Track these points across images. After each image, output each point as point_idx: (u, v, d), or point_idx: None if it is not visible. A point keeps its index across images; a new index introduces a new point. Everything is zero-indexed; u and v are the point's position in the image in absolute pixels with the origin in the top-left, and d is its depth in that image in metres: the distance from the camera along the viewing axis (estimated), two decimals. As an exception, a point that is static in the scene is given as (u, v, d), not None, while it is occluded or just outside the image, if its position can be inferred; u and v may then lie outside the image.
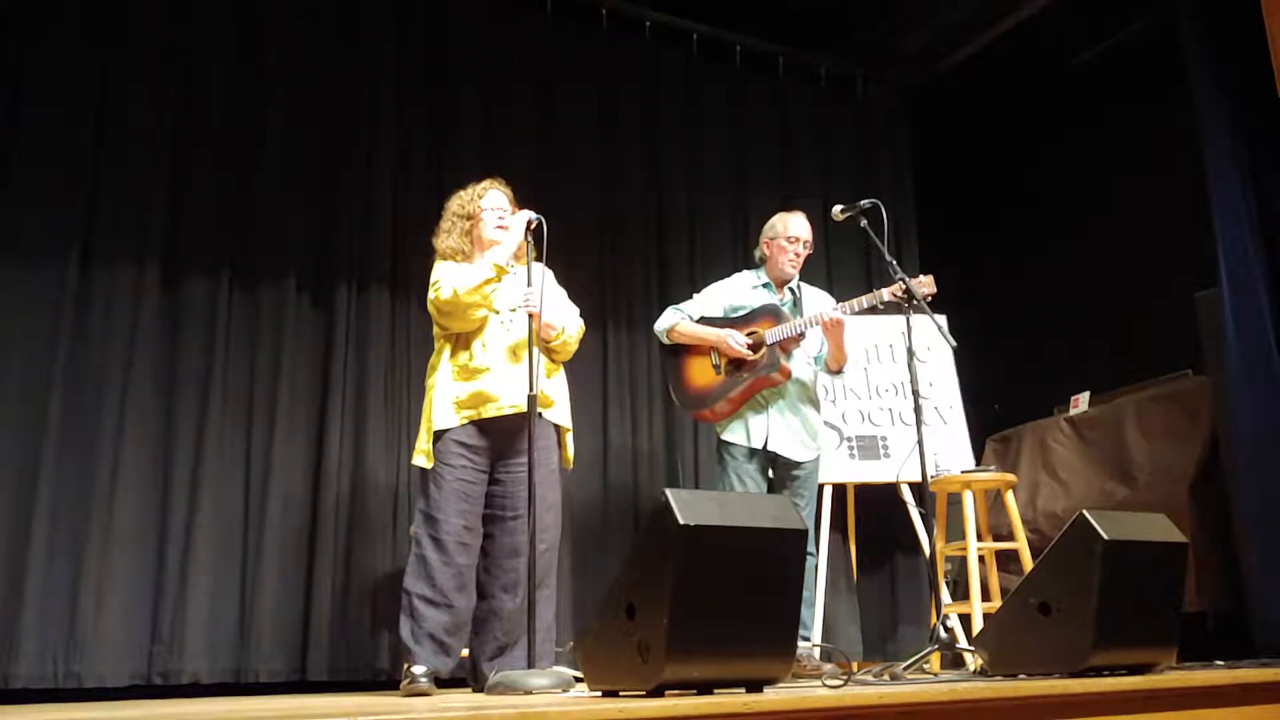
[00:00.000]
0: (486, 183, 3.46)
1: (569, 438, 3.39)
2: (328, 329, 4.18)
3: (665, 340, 3.89)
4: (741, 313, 3.80)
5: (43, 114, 3.87)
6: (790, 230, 3.84)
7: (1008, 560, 4.27)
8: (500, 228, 3.34)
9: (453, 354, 3.25)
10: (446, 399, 3.20)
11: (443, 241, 3.39)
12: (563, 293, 3.44)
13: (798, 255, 3.83)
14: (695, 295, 3.96)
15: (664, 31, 5.19)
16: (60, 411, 3.66)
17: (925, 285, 3.43)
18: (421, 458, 3.20)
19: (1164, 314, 4.46)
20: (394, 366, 4.27)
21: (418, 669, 3.02)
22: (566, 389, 3.42)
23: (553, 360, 3.36)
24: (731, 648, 1.95)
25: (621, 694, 1.95)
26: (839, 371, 3.79)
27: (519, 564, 3.21)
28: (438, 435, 3.18)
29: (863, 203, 3.49)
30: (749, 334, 3.71)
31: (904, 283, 3.35)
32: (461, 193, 3.45)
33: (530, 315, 3.03)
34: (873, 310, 3.66)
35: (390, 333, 4.30)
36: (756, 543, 1.99)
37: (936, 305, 3.52)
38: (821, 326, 3.61)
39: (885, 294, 3.49)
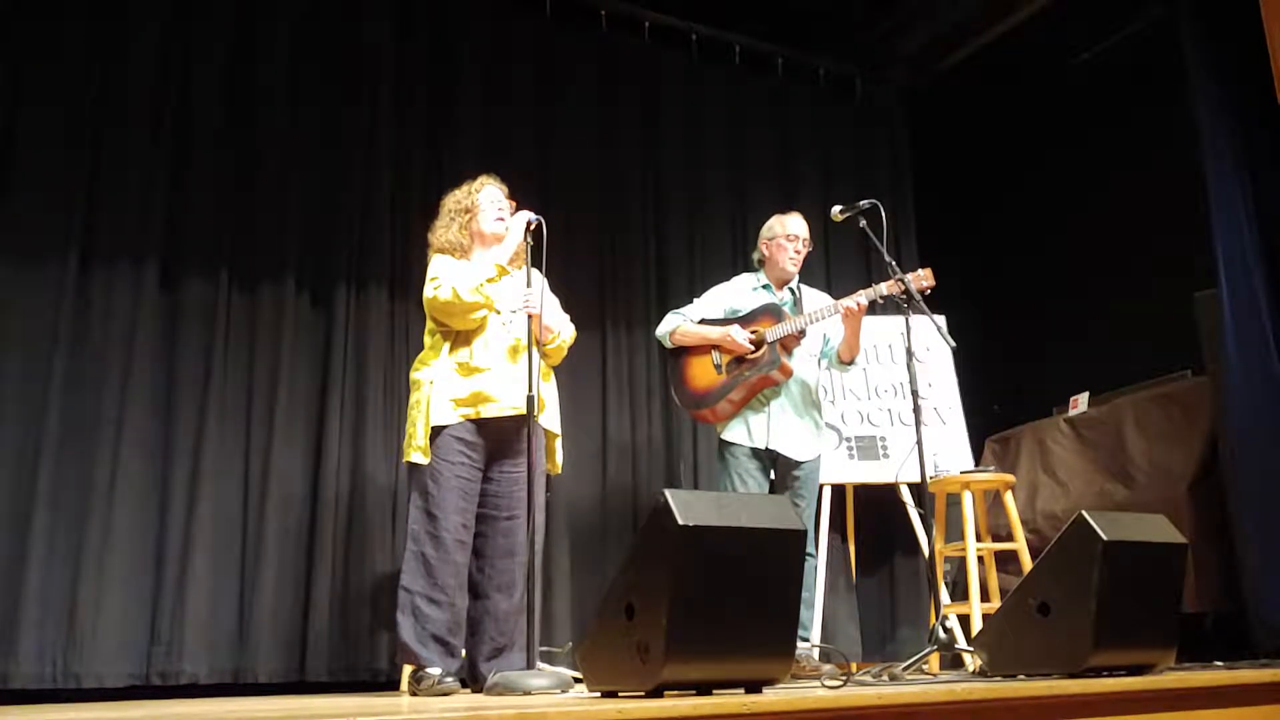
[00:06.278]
0: (483, 178, 3.46)
1: (558, 444, 3.39)
2: (327, 329, 4.18)
3: (668, 344, 3.89)
4: (742, 314, 3.80)
5: (42, 114, 3.86)
6: (789, 229, 3.85)
7: (1007, 561, 4.27)
8: (499, 220, 3.34)
9: (451, 350, 3.23)
10: (444, 395, 3.18)
11: (440, 236, 3.38)
12: (556, 300, 3.43)
13: (798, 253, 3.84)
14: (695, 299, 3.96)
15: (664, 32, 5.20)
16: (59, 411, 3.66)
17: (924, 278, 3.44)
18: (418, 454, 3.16)
19: (1164, 314, 4.46)
20: (393, 367, 4.26)
21: (433, 670, 3.01)
22: (556, 394, 3.42)
23: (545, 364, 3.36)
24: (730, 648, 1.95)
25: (621, 694, 1.95)
26: (851, 362, 3.78)
27: (514, 564, 3.21)
28: (436, 431, 3.16)
29: (862, 203, 3.49)
30: (751, 332, 3.72)
31: (904, 282, 3.35)
32: (456, 190, 3.45)
33: (530, 316, 3.03)
34: (871, 306, 3.66)
35: (389, 333, 4.30)
36: (755, 543, 1.98)
37: (936, 305, 3.52)
38: (842, 314, 3.61)
39: (883, 288, 3.50)
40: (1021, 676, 2.42)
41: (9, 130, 3.82)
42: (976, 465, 4.67)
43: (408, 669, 3.24)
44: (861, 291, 3.58)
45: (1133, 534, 2.45)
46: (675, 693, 1.89)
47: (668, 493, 1.93)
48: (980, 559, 3.98)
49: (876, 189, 5.27)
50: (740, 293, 3.90)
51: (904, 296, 3.37)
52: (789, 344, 3.70)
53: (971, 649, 2.93)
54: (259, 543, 3.86)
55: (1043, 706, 2.10)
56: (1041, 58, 5.30)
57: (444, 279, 3.20)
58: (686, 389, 3.82)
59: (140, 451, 3.78)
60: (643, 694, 1.89)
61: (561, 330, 3.38)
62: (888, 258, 3.38)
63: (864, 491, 4.79)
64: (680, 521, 1.88)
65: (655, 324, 4.04)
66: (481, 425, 3.19)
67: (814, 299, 3.92)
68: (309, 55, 4.38)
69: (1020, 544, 3.99)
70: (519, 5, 4.88)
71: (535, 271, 3.07)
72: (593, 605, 4.09)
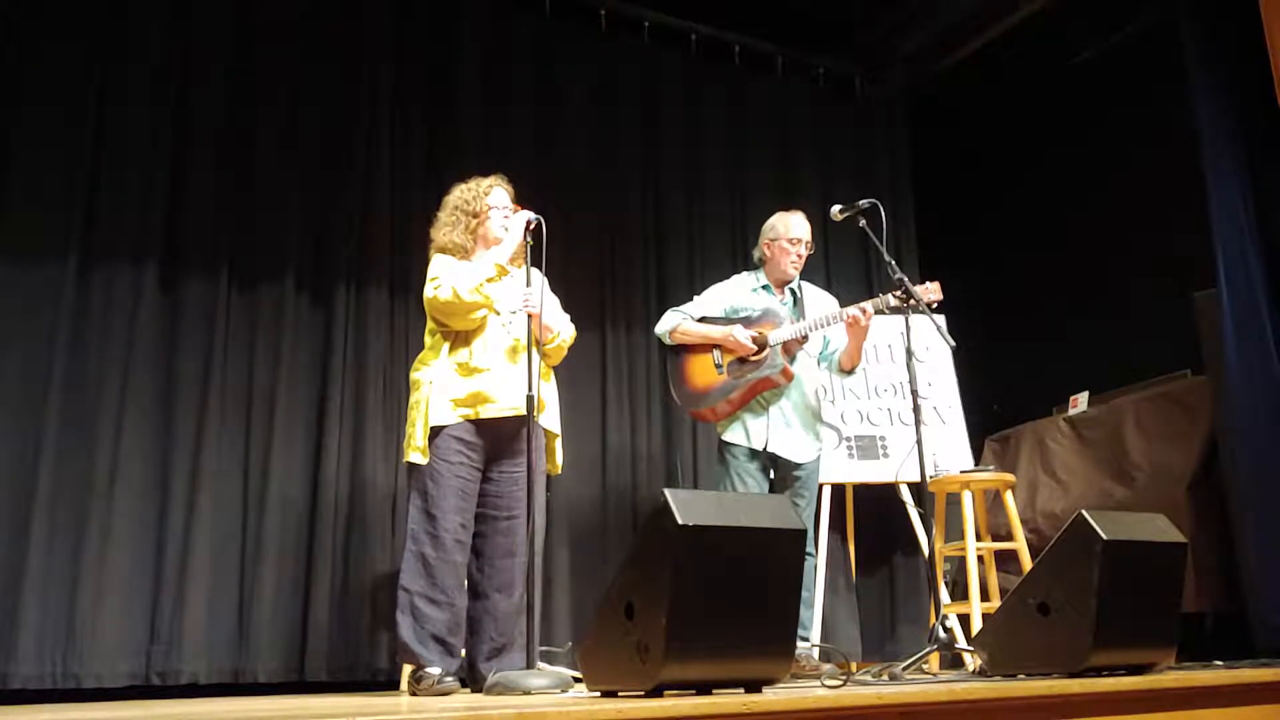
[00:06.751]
0: (491, 179, 3.44)
1: (558, 444, 3.39)
2: (326, 329, 4.18)
3: (667, 341, 3.89)
4: (742, 314, 3.80)
5: (42, 113, 3.86)
6: (792, 231, 3.82)
7: (1006, 560, 4.27)
8: (505, 226, 3.33)
9: (451, 350, 3.23)
10: (443, 395, 3.18)
11: (443, 235, 3.36)
12: (556, 300, 3.42)
13: (800, 257, 3.82)
14: (695, 298, 3.95)
15: (663, 32, 5.20)
16: (59, 411, 3.66)
17: (931, 292, 3.43)
18: (417, 454, 3.15)
19: (1163, 314, 4.46)
20: (392, 367, 4.26)
21: (433, 670, 3.02)
22: (556, 394, 3.42)
23: (545, 364, 3.35)
24: (730, 648, 1.95)
25: (620, 694, 1.95)
26: (851, 371, 3.78)
27: (513, 564, 3.21)
28: (435, 431, 3.16)
29: (862, 203, 3.49)
30: (755, 333, 3.71)
31: (904, 284, 3.35)
32: (464, 186, 3.43)
33: (530, 316, 3.03)
34: (878, 313, 3.66)
35: (389, 333, 4.30)
36: (755, 543, 1.98)
37: (936, 305, 3.52)
38: (847, 323, 3.60)
39: (891, 299, 3.47)
40: (1021, 676, 2.42)
41: (9, 130, 3.81)
42: (976, 465, 4.67)
43: (407, 669, 3.25)
44: (869, 301, 3.56)
45: (1133, 533, 2.45)
46: (675, 692, 1.89)
47: (668, 492, 1.93)
48: (980, 559, 3.98)
49: (876, 189, 5.28)
50: (740, 292, 3.88)
51: (903, 295, 3.36)
52: (791, 348, 3.69)
53: (971, 649, 2.93)
54: (259, 543, 3.86)
55: (1042, 706, 2.10)
56: (1041, 58, 5.30)
57: (444, 279, 3.19)
58: (686, 387, 3.81)
59: (140, 451, 3.78)
60: (643, 694, 1.89)
61: (561, 330, 3.38)
62: (887, 257, 3.38)
63: (864, 491, 4.79)
64: (680, 521, 1.88)
65: (655, 324, 4.03)
66: (481, 425, 3.19)
67: (815, 296, 3.91)
68: (309, 54, 4.38)
69: (1020, 544, 3.99)
70: (519, 5, 4.88)
71: (535, 271, 3.07)
72: (593, 605, 4.09)
